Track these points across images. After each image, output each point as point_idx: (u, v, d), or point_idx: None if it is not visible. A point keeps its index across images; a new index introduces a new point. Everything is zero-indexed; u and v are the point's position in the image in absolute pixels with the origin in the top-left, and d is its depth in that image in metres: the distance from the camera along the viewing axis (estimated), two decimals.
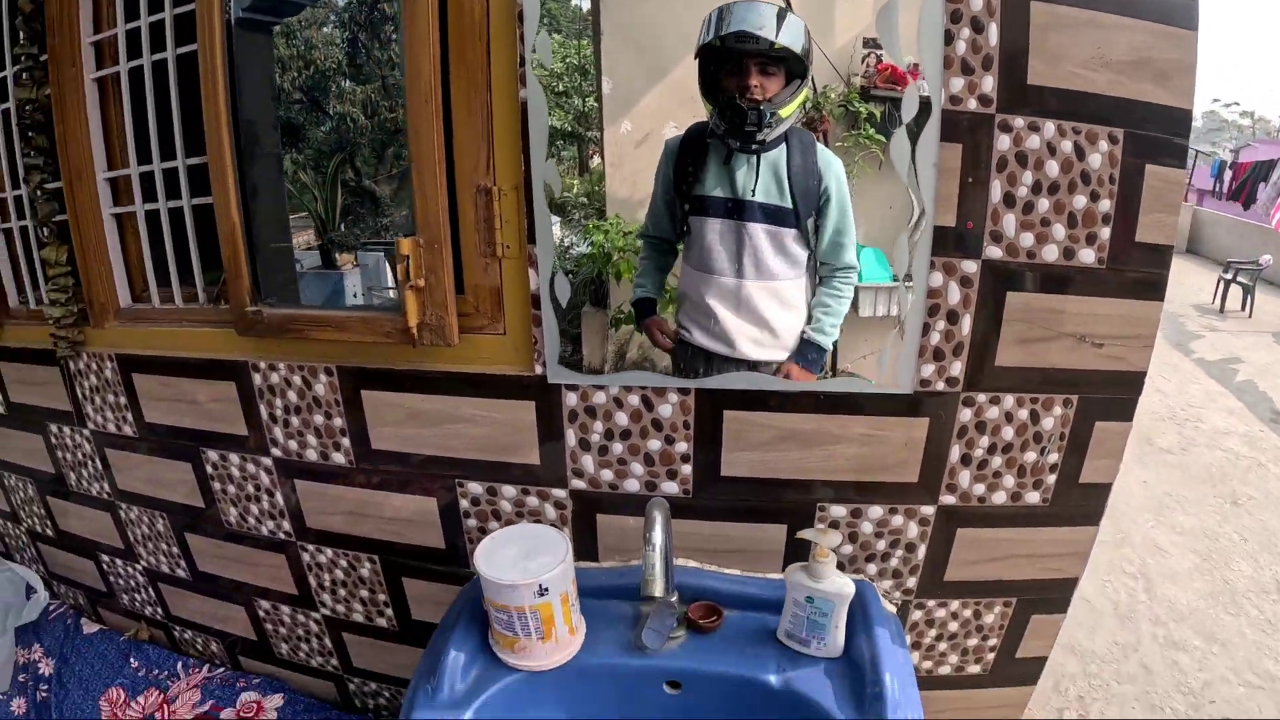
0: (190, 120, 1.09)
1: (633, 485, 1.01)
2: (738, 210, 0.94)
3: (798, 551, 1.03)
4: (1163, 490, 3.47)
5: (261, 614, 1.34)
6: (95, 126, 1.16)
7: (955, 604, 1.10)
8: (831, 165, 0.93)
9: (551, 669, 0.95)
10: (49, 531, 1.56)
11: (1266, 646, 2.37)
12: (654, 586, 0.87)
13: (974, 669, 1.17)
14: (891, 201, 0.93)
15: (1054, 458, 1.00)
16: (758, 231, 0.94)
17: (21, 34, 1.16)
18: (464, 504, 1.07)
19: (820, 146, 0.94)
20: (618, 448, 0.99)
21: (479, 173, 0.93)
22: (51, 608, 1.59)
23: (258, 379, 1.11)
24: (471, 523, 1.08)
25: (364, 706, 1.38)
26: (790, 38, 0.89)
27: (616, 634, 1.00)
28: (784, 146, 0.94)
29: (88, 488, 1.41)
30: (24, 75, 1.16)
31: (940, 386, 0.95)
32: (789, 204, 0.94)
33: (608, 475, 1.01)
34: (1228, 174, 9.25)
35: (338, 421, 1.08)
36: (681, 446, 0.98)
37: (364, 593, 1.21)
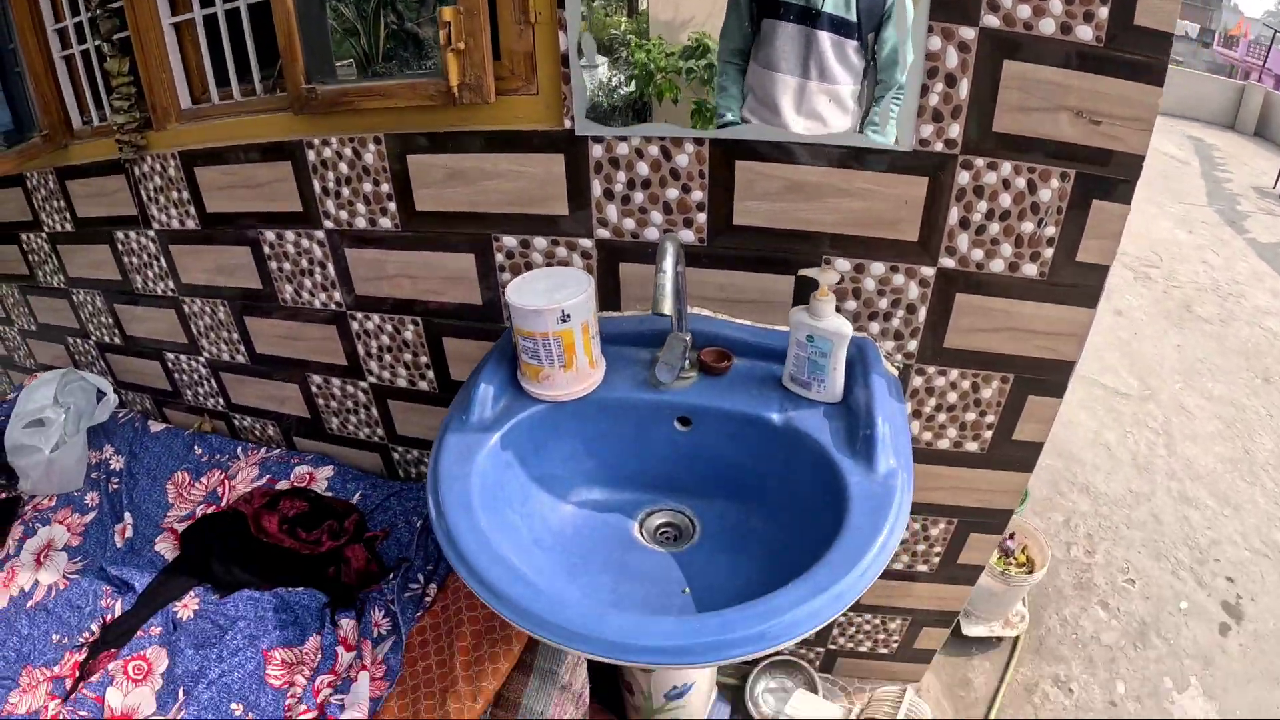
0: None
1: (653, 234, 1.12)
2: (808, 17, 1.01)
3: (803, 300, 1.12)
4: (1196, 356, 3.48)
5: (314, 389, 1.49)
6: None
7: (954, 373, 1.19)
8: None
9: (572, 400, 1.07)
10: (116, 340, 1.72)
11: (1277, 518, 2.44)
12: (664, 304, 0.93)
13: (972, 446, 1.27)
14: None
15: (1051, 230, 1.07)
16: (824, 39, 1.01)
17: None
18: (499, 258, 1.19)
19: None
20: (639, 197, 1.10)
21: None
22: (120, 415, 1.75)
23: (311, 155, 1.22)
24: (505, 276, 1.20)
25: (406, 475, 1.53)
26: None
27: (634, 374, 1.12)
28: None
29: (153, 288, 1.55)
30: None
31: (939, 147, 1.02)
32: (853, 16, 1.01)
33: (630, 224, 1.12)
34: None
35: (384, 187, 1.19)
36: (697, 195, 1.08)
37: (408, 356, 1.35)
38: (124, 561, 1.42)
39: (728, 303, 1.15)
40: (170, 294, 1.53)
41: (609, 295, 1.18)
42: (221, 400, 1.64)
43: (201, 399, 1.67)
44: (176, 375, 1.67)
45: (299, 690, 1.18)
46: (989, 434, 1.25)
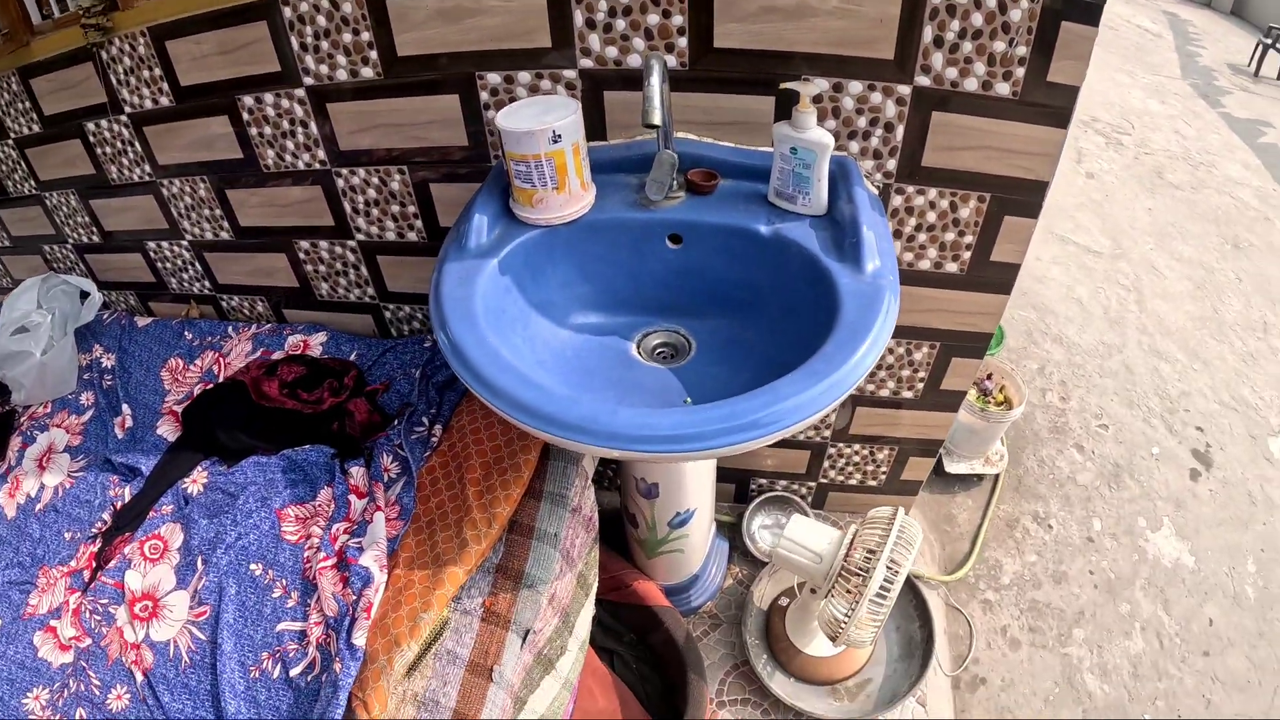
0: None
1: (635, 60, 1.15)
2: None
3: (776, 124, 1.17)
4: (1167, 220, 3.58)
5: (302, 255, 1.52)
6: None
7: (933, 192, 1.24)
8: None
9: (565, 223, 1.12)
10: (95, 238, 1.72)
11: (1245, 375, 2.58)
12: (654, 115, 0.98)
13: (951, 267, 1.33)
14: None
15: (1022, 50, 1.12)
16: None
17: None
18: (484, 96, 1.21)
19: None
20: (620, 24, 1.12)
21: None
22: (105, 315, 1.76)
23: (288, 11, 1.22)
24: (490, 114, 1.23)
25: (399, 333, 1.58)
26: None
27: (624, 196, 1.16)
28: None
29: (129, 175, 1.55)
30: None
31: None
32: None
33: (613, 52, 1.15)
34: None
35: (365, 35, 1.20)
36: (678, 19, 1.11)
37: (395, 208, 1.38)
38: (128, 450, 1.45)
39: (711, 125, 1.19)
40: (148, 178, 1.53)
41: (594, 125, 1.21)
42: (208, 283, 1.66)
43: (187, 284, 1.68)
44: (159, 264, 1.68)
45: (316, 541, 1.23)
46: (968, 254, 1.31)
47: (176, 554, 1.26)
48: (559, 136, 1.04)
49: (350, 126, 1.31)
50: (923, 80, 1.15)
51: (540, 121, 1.04)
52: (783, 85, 1.10)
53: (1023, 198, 1.24)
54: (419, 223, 1.40)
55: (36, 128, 1.60)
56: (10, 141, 1.65)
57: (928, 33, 1.11)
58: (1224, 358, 2.63)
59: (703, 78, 1.16)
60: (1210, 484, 2.12)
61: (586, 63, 1.16)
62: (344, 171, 1.37)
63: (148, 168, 1.52)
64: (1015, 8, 1.08)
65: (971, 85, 1.15)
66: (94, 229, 1.71)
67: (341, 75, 1.26)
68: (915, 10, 1.09)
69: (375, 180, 1.36)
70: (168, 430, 1.47)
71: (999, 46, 1.12)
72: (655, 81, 1.00)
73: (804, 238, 1.09)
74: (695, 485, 1.32)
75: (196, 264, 1.63)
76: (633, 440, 0.85)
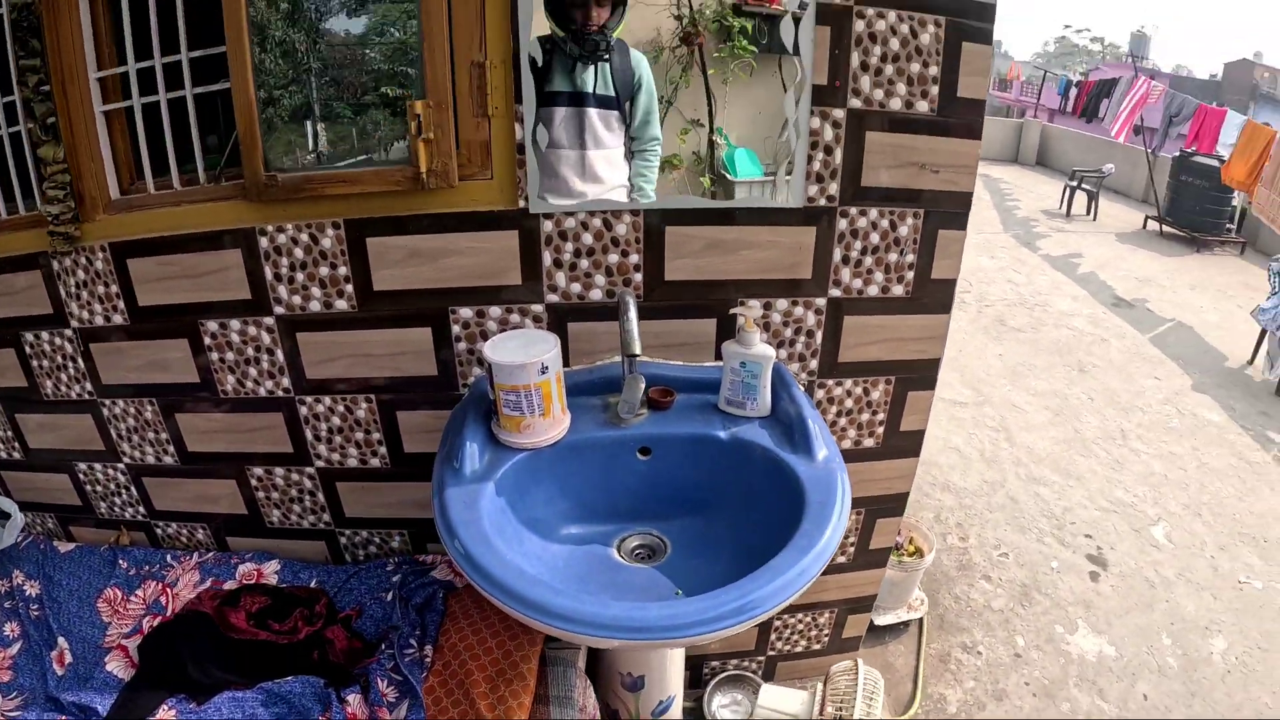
0: (170, 17, 1.25)
1: (597, 295, 1.31)
2: (580, 100, 1.26)
3: (724, 337, 1.35)
4: (1016, 360, 4.10)
5: (254, 482, 1.53)
6: (85, 25, 1.28)
7: (849, 382, 1.47)
8: (641, 63, 1.26)
9: (549, 445, 1.23)
10: (15, 455, 1.64)
11: (1116, 480, 2.96)
12: (634, 345, 1.17)
13: (869, 442, 1.54)
14: (759, 108, 1.28)
15: (911, 257, 1.38)
16: (593, 114, 1.27)
17: None
18: (455, 329, 1.33)
19: (631, 49, 1.25)
20: (584, 264, 1.29)
21: (474, 49, 1.20)
22: (21, 539, 1.65)
23: (264, 242, 1.29)
24: (461, 345, 1.34)
25: (354, 558, 1.58)
26: None
27: (593, 417, 1.29)
28: (611, 53, 1.26)
29: (66, 392, 1.52)
30: None
31: (823, 202, 1.30)
32: (613, 93, 1.27)
33: (577, 288, 1.31)
34: (1073, 92, 10.26)
35: (342, 270, 1.30)
36: (634, 258, 1.29)
37: (359, 435, 1.44)
38: (74, 688, 1.36)
39: (664, 347, 1.37)
40: (88, 397, 1.51)
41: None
42: (143, 509, 1.61)
43: (119, 510, 1.63)
44: (89, 487, 1.63)
45: None
46: (881, 430, 1.54)
47: None
48: (546, 368, 1.17)
49: (319, 356, 1.38)
50: (835, 292, 1.38)
51: (529, 355, 1.16)
52: (732, 311, 1.29)
53: (921, 374, 1.50)
54: (383, 449, 1.47)
55: None
56: None
57: (837, 253, 1.34)
58: (1094, 470, 3.01)
59: (656, 306, 1.33)
60: (1110, 580, 2.39)
61: (553, 298, 1.31)
62: (308, 400, 1.42)
63: (89, 385, 1.50)
64: (904, 225, 1.34)
65: (873, 291, 1.39)
66: (16, 444, 1.64)
67: (315, 306, 1.34)
68: (827, 237, 1.32)
69: (341, 408, 1.42)
70: (118, 666, 1.38)
71: (893, 257, 1.37)
72: (632, 316, 1.17)
73: (758, 437, 1.26)
74: (674, 671, 1.40)
75: (132, 488, 1.59)
76: (631, 630, 0.92)
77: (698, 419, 1.30)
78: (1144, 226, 7.69)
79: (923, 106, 1.27)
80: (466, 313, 1.32)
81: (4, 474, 1.69)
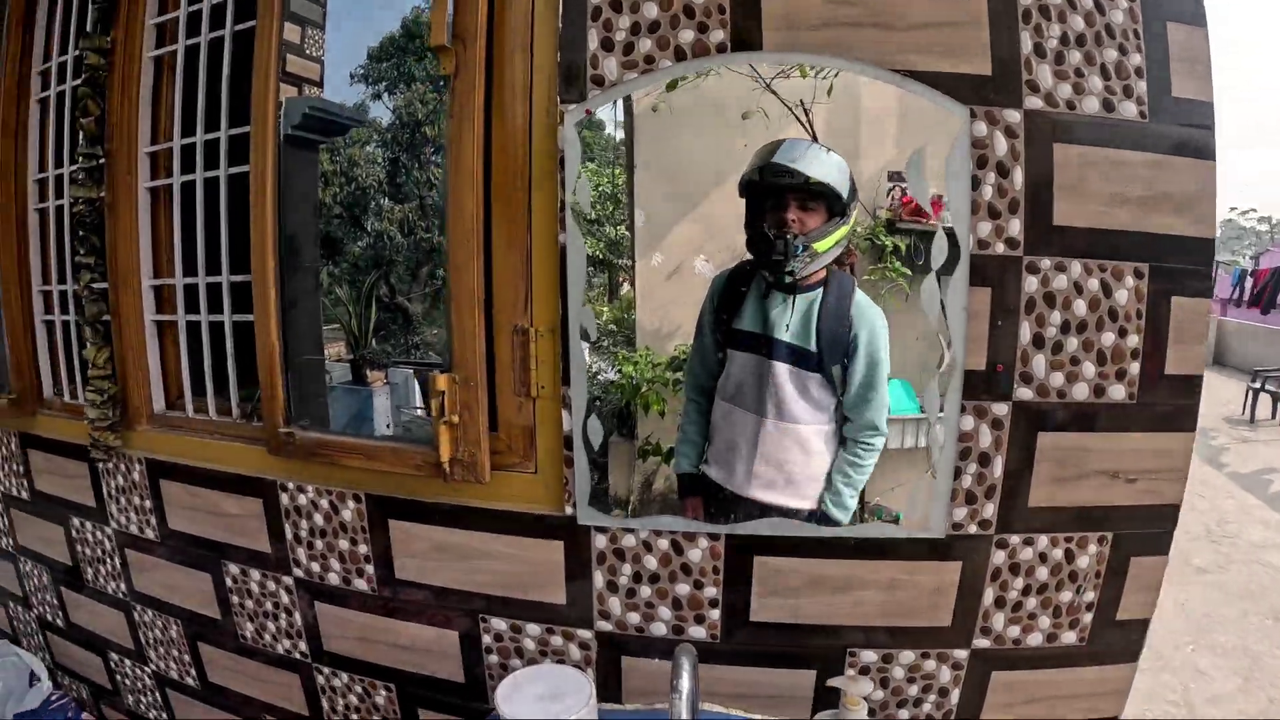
0: (235, 234, 1.18)
1: (660, 629, 1.04)
2: (766, 346, 0.98)
3: (827, 697, 1.04)
4: (1201, 611, 3.42)
5: None
6: (145, 233, 1.25)
7: None
8: (865, 314, 0.96)
9: None
10: (59, 622, 1.61)
11: None
12: (682, 710, 0.87)
13: None
14: (918, 333, 0.97)
15: (1090, 595, 1.01)
16: (782, 371, 0.98)
17: (83, 135, 1.24)
18: (486, 639, 1.10)
19: (860, 294, 0.97)
20: (645, 591, 1.02)
21: (517, 312, 0.99)
22: (54, 698, 1.62)
23: (285, 499, 1.16)
24: (493, 659, 1.11)
25: None
26: (825, 173, 0.93)
27: None
28: (821, 289, 0.98)
29: (104, 585, 1.46)
30: (82, 175, 1.24)
31: (973, 529, 0.98)
32: (812, 346, 0.97)
33: (634, 618, 1.04)
34: (1248, 281, 9.43)
35: (362, 548, 1.12)
36: (710, 591, 1.01)
37: (376, 718, 1.24)
38: None
39: (742, 698, 1.06)
40: (121, 596, 1.44)
41: (610, 686, 1.09)
42: (166, 715, 1.52)
43: (144, 709, 1.54)
44: (119, 677, 1.56)
45: None
46: None
47: None
48: None
49: (337, 630, 1.20)
50: (982, 642, 1.04)
51: (549, 710, 0.91)
52: (829, 683, 0.97)
53: None
54: None
55: (25, 494, 1.54)
56: None
57: (989, 594, 1.02)
58: None
59: (736, 651, 1.04)
60: None
61: (605, 625, 1.05)
62: (325, 670, 1.24)
63: (123, 586, 1.43)
64: (1083, 554, 0.99)
65: (1035, 640, 1.05)
66: (60, 613, 1.60)
67: (334, 579, 1.17)
68: (977, 574, 1.00)
69: (359, 688, 1.23)
70: None
71: (1066, 596, 1.03)
72: (684, 686, 0.88)
73: None
74: None
75: (157, 693, 1.50)
76: None
77: None
78: None
79: (1118, 392, 0.92)
80: (500, 624, 1.09)
81: (49, 635, 1.67)
